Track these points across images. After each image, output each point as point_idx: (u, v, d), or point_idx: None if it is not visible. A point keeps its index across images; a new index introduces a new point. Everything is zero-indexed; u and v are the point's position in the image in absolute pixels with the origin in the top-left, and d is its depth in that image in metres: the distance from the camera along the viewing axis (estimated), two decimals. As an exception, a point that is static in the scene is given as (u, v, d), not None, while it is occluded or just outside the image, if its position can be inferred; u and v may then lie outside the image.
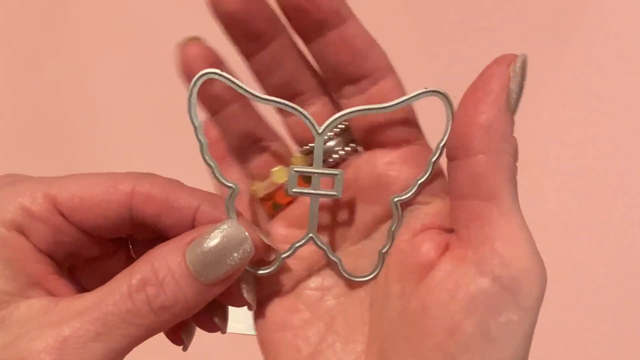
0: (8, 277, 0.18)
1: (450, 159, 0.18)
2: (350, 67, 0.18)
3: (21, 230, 0.19)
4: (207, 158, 0.20)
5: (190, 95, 0.20)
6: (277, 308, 0.21)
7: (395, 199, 0.19)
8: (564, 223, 0.54)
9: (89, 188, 0.19)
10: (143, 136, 0.58)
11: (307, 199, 0.19)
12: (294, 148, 0.21)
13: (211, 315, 0.23)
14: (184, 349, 0.23)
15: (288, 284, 0.20)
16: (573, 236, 0.54)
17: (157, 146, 0.58)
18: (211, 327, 0.23)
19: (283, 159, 0.20)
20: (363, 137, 0.20)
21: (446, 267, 0.17)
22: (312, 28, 0.17)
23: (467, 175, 0.17)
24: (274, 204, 0.20)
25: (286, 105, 0.19)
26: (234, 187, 0.19)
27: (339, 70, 0.18)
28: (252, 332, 0.50)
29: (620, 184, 0.56)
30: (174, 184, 0.20)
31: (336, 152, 0.19)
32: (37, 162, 0.57)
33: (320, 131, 0.18)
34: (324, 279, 0.20)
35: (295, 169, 0.19)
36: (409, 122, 0.20)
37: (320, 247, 0.20)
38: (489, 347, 0.15)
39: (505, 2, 0.67)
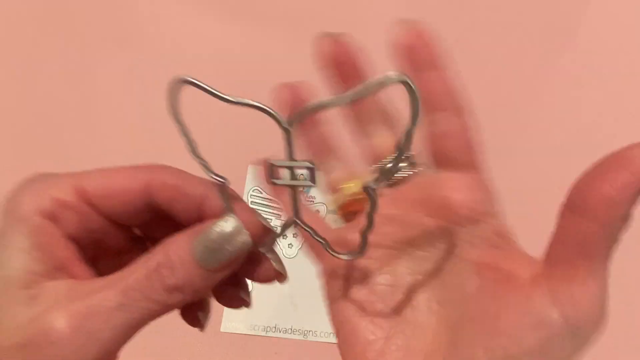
0: (37, 259, 0.20)
1: (566, 209, 0.19)
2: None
3: (52, 218, 0.20)
4: (198, 155, 0.22)
5: (170, 97, 0.21)
6: (354, 298, 0.23)
7: (372, 185, 0.20)
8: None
9: (112, 178, 0.22)
10: (143, 136, 0.58)
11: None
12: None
13: (238, 292, 0.26)
14: (202, 329, 0.25)
15: (362, 278, 0.23)
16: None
17: (157, 146, 0.58)
18: (238, 303, 0.26)
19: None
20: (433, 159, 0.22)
21: (527, 290, 0.19)
22: (416, 65, 0.21)
23: (577, 234, 0.18)
24: (347, 212, 0.23)
25: (255, 106, 0.20)
26: (224, 181, 0.21)
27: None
28: (252, 332, 0.50)
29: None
30: (185, 174, 0.22)
31: (399, 170, 0.22)
32: (37, 163, 0.57)
33: (286, 126, 0.20)
34: (395, 277, 0.23)
35: (271, 162, 0.21)
36: (471, 146, 0.22)
37: (305, 230, 0.22)
38: (541, 359, 0.18)
39: (506, 2, 0.67)
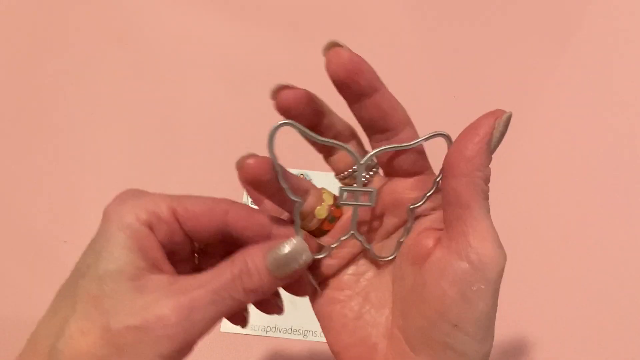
0: (140, 257, 0.25)
1: (443, 178, 0.24)
2: (380, 122, 0.25)
3: (150, 227, 0.26)
4: (281, 181, 0.26)
5: (270, 139, 0.26)
6: (327, 288, 0.29)
7: (411, 206, 0.26)
8: (563, 222, 0.54)
9: (199, 205, 0.27)
10: (143, 135, 0.58)
11: (345, 217, 0.28)
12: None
13: (276, 300, 0.33)
14: (245, 326, 0.34)
15: (334, 271, 0.29)
16: (575, 235, 0.54)
17: (157, 147, 0.58)
18: (275, 310, 0.33)
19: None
20: (385, 168, 0.27)
21: (437, 254, 0.24)
22: (354, 95, 0.25)
23: (452, 190, 0.24)
24: (331, 218, 0.28)
25: (340, 145, 0.26)
26: (300, 200, 0.26)
27: (372, 124, 0.26)
28: (252, 332, 0.50)
29: (618, 182, 0.56)
30: (257, 211, 0.28)
31: (363, 177, 0.27)
32: (37, 162, 0.57)
33: (362, 161, 0.26)
34: (358, 267, 0.28)
35: (342, 188, 0.26)
36: (421, 157, 0.26)
37: (358, 240, 0.27)
38: (467, 306, 0.23)
39: (506, 2, 0.67)
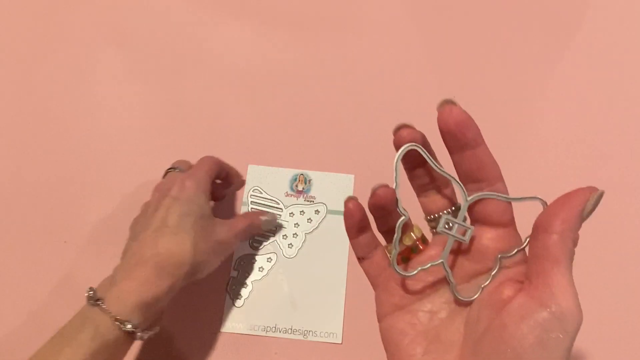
0: (209, 205, 0.45)
1: (535, 234, 0.27)
2: (476, 173, 0.28)
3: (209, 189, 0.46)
4: (399, 205, 0.29)
5: (397, 161, 0.28)
6: (401, 320, 0.30)
7: (500, 256, 0.28)
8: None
9: (210, 168, 0.47)
10: (143, 134, 0.58)
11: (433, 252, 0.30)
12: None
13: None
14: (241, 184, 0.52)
15: (410, 303, 0.30)
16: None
17: (157, 147, 0.58)
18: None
19: (448, 201, 0.31)
20: (474, 215, 0.29)
21: (519, 300, 0.26)
22: (458, 146, 0.28)
23: (543, 244, 0.26)
24: (414, 247, 0.30)
25: (453, 179, 0.29)
26: (407, 215, 0.29)
27: (469, 174, 0.28)
28: (252, 332, 0.50)
29: (620, 180, 0.56)
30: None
31: (453, 223, 0.29)
32: (36, 161, 0.57)
33: (469, 199, 0.28)
34: (434, 306, 0.30)
35: (445, 217, 0.29)
36: (509, 212, 0.29)
37: (445, 270, 0.29)
38: (544, 352, 0.24)
39: (506, 2, 0.67)
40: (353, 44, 0.60)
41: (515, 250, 0.28)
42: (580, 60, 0.60)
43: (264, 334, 0.47)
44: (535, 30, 0.62)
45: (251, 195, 0.51)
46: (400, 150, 0.28)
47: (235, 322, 0.47)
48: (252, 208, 0.51)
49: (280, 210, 0.51)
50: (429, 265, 0.29)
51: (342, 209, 0.30)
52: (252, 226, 0.46)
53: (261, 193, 0.51)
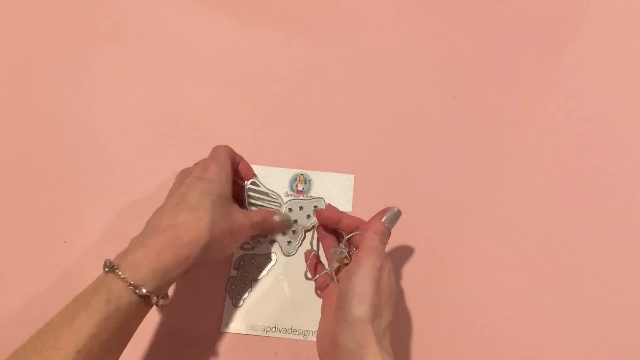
0: (231, 191, 0.46)
1: (362, 230, 0.44)
2: (350, 228, 0.47)
3: (230, 174, 0.47)
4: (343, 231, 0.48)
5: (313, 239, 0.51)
6: (330, 287, 0.47)
7: (302, 229, 0.51)
8: (563, 222, 0.54)
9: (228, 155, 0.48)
10: (142, 133, 0.58)
11: None
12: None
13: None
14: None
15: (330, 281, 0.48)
16: (574, 235, 0.54)
17: (157, 147, 0.58)
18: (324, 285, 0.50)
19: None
20: (354, 243, 0.46)
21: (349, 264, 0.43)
22: (333, 226, 0.48)
23: (361, 238, 0.43)
24: (339, 266, 0.47)
25: (342, 231, 0.48)
26: (344, 250, 0.47)
27: (346, 229, 0.47)
28: (252, 332, 0.50)
29: (619, 180, 0.56)
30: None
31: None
32: (36, 161, 0.57)
33: (346, 236, 0.47)
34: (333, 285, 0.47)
35: (333, 249, 0.47)
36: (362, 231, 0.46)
37: (330, 275, 0.47)
38: (348, 282, 0.41)
39: (506, 2, 0.67)
40: (353, 44, 0.60)
41: (347, 236, 0.46)
42: (579, 60, 0.60)
43: (264, 334, 0.47)
44: (535, 30, 0.62)
45: (249, 187, 0.50)
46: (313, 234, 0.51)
47: (235, 322, 0.47)
48: (249, 202, 0.50)
49: (279, 205, 0.51)
50: (323, 272, 0.47)
51: (342, 207, 0.35)
52: (266, 221, 0.48)
53: (258, 186, 0.50)
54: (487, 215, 0.51)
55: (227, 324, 0.47)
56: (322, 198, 0.52)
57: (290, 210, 0.51)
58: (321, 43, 0.61)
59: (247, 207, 0.50)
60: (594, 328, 0.48)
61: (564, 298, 0.48)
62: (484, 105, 0.57)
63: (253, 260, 0.49)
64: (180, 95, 0.57)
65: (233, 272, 0.49)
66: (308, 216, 0.51)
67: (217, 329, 0.47)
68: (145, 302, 0.37)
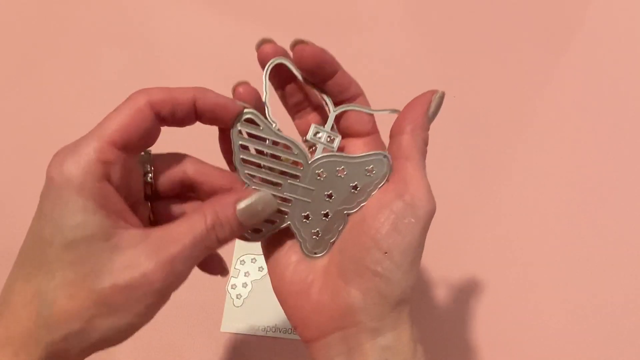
0: (106, 215, 0.25)
1: (390, 137, 0.29)
2: (339, 96, 0.30)
3: (106, 178, 0.25)
4: (269, 115, 0.30)
5: (265, 75, 0.30)
6: (277, 234, 0.31)
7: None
8: (562, 222, 0.54)
9: (125, 118, 0.28)
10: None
11: None
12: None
13: (218, 261, 0.32)
14: (225, 274, 0.33)
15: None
16: (574, 235, 0.54)
17: (157, 147, 0.58)
18: (219, 270, 0.32)
19: (321, 118, 0.32)
20: (342, 129, 0.31)
21: (377, 196, 0.29)
22: (319, 79, 0.30)
23: (397, 144, 0.29)
24: None
25: (320, 91, 0.30)
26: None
27: (333, 97, 0.30)
28: (252, 332, 0.50)
29: (617, 184, 0.56)
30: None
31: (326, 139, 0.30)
32: (36, 160, 0.57)
33: (335, 110, 0.30)
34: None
35: (314, 126, 0.30)
36: (372, 122, 0.31)
37: (293, 231, 0.30)
38: (398, 236, 0.27)
39: (506, 2, 0.67)
40: (353, 44, 0.60)
41: (342, 109, 0.30)
42: (580, 59, 0.60)
43: (264, 334, 0.47)
44: (535, 30, 0.62)
45: (239, 130, 0.29)
46: (268, 65, 0.30)
47: (235, 322, 0.47)
48: (241, 159, 0.29)
49: (298, 168, 0.30)
50: (283, 225, 0.30)
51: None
52: (208, 238, 0.27)
53: (260, 127, 0.29)
54: (487, 215, 0.51)
55: (227, 324, 0.47)
56: (385, 154, 0.30)
57: (318, 176, 0.29)
58: (321, 43, 0.61)
59: (241, 177, 0.29)
60: (595, 328, 0.48)
61: (575, 300, 0.49)
62: (484, 105, 0.57)
63: (253, 260, 0.49)
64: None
65: (233, 272, 0.49)
66: (354, 188, 0.29)
67: (217, 329, 0.47)
68: None
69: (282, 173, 0.29)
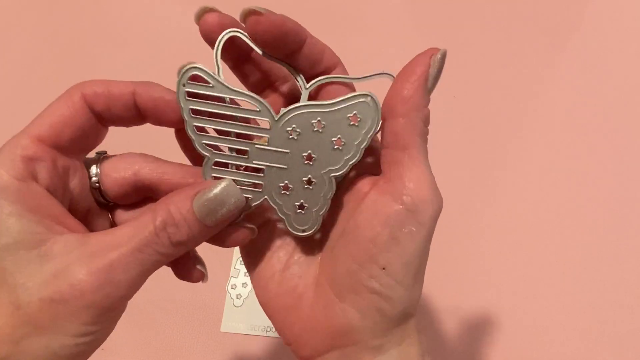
0: (35, 220, 0.21)
1: (382, 120, 0.24)
2: (311, 70, 0.24)
3: (33, 177, 0.22)
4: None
5: (217, 46, 0.24)
6: (257, 238, 0.26)
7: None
8: (562, 223, 0.54)
9: (56, 113, 0.24)
10: (142, 131, 0.58)
11: None
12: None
13: (193, 265, 0.28)
14: (205, 280, 0.28)
15: (264, 219, 0.27)
16: (573, 236, 0.54)
17: (156, 141, 0.58)
18: (195, 277, 0.28)
19: (291, 98, 0.26)
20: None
21: (372, 196, 0.23)
22: (283, 53, 0.24)
23: (391, 132, 0.23)
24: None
25: (288, 65, 0.24)
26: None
27: (304, 71, 0.24)
28: (252, 332, 0.50)
29: (615, 181, 0.56)
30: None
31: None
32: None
33: (308, 86, 0.24)
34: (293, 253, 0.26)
35: (284, 110, 0.24)
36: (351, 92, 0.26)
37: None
38: (397, 248, 0.22)
39: (506, 2, 0.67)
40: (353, 44, 0.60)
41: (346, 167, 0.24)
42: (579, 59, 0.60)
43: (264, 334, 0.47)
44: (535, 30, 0.62)
45: (188, 86, 0.25)
46: (218, 40, 0.23)
47: (235, 322, 0.47)
48: (194, 126, 0.25)
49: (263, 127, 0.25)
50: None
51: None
52: (158, 242, 0.22)
53: (210, 85, 0.25)
54: (487, 215, 0.51)
55: (227, 324, 0.47)
56: (369, 94, 0.25)
57: (290, 134, 0.24)
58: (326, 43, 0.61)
59: (198, 148, 0.25)
60: (596, 329, 0.48)
61: (567, 298, 0.49)
62: (484, 105, 0.57)
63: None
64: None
65: (233, 272, 0.49)
66: (338, 144, 0.24)
67: (217, 329, 0.47)
68: None
69: (246, 137, 0.24)
